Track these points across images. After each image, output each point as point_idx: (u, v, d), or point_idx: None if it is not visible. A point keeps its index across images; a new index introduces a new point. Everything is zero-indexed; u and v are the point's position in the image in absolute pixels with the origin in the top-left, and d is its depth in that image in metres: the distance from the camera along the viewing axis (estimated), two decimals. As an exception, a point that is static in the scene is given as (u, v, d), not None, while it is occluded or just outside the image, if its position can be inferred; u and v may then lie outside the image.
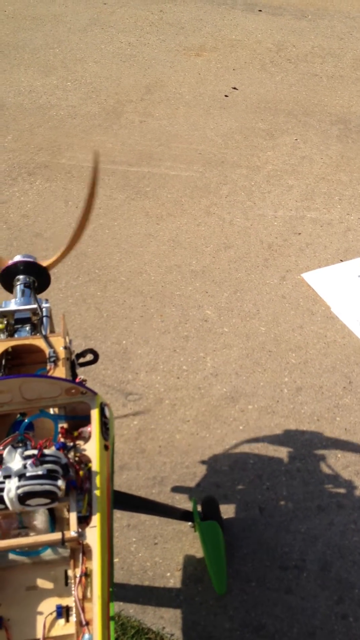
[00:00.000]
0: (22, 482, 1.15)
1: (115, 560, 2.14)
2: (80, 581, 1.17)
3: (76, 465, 1.25)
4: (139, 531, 2.24)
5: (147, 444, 2.51)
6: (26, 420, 1.31)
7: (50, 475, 1.17)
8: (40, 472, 1.17)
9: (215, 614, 2.04)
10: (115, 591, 2.04)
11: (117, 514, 2.22)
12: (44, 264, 1.72)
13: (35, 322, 1.62)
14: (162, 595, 2.08)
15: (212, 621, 2.02)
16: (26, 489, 1.15)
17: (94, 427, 1.32)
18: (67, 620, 1.18)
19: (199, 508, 2.21)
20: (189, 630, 2.00)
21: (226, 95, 4.92)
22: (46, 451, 1.20)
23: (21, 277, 1.71)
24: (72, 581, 1.19)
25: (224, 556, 2.08)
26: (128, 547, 2.19)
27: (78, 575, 1.17)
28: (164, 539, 2.22)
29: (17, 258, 1.74)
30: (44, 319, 1.60)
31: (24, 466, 1.18)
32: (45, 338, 1.47)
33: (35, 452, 1.20)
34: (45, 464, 1.18)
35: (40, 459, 1.18)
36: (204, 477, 2.41)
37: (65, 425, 1.34)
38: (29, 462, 1.18)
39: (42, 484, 1.16)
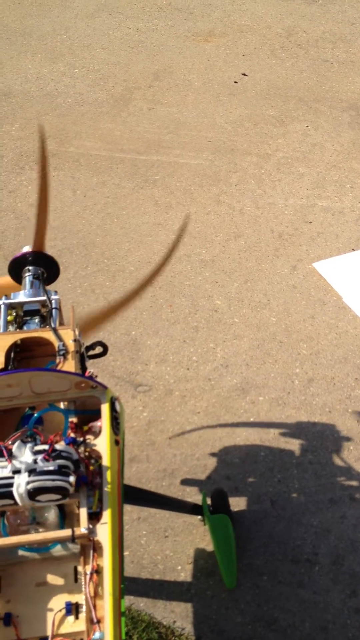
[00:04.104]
0: (33, 478, 1.14)
1: (126, 553, 2.12)
2: (91, 578, 1.15)
3: (86, 461, 1.23)
4: (149, 524, 2.22)
5: (157, 436, 2.49)
6: (35, 415, 1.29)
7: (61, 471, 1.15)
8: (51, 468, 1.15)
9: (226, 607, 2.02)
10: (126, 585, 2.03)
11: (127, 506, 2.20)
12: (31, 249, 1.70)
13: (44, 314, 1.59)
14: (172, 589, 2.06)
15: (223, 615, 2.00)
16: (37, 484, 1.13)
17: (105, 422, 1.30)
18: (77, 617, 1.17)
19: (208, 501, 2.19)
20: (200, 624, 1.98)
21: (236, 82, 4.85)
22: (57, 446, 1.18)
23: (30, 268, 1.68)
24: (82, 578, 1.18)
25: (234, 550, 2.06)
26: (138, 540, 2.18)
27: (88, 572, 1.16)
28: (174, 531, 2.20)
29: (26, 249, 1.71)
30: (53, 311, 1.57)
31: (35, 461, 1.16)
32: (55, 331, 1.44)
33: (46, 447, 1.18)
34: (57, 459, 1.16)
35: (51, 454, 1.16)
36: (214, 470, 2.39)
37: (74, 420, 1.32)
38: (39, 457, 1.16)
39: (53, 480, 1.14)
